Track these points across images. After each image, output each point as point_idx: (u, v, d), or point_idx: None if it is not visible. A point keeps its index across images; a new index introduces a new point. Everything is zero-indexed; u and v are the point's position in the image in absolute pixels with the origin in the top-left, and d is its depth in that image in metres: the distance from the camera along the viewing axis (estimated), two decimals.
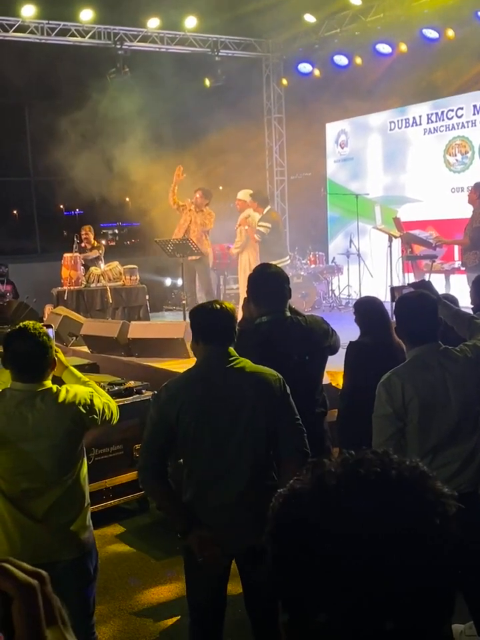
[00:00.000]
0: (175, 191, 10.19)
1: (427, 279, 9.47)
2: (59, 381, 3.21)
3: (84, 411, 3.05)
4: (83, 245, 11.51)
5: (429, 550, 0.85)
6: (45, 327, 3.10)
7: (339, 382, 4.90)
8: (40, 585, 0.73)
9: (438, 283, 9.87)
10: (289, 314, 3.70)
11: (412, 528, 0.85)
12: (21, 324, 3.06)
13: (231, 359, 3.04)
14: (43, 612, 0.72)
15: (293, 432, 3.05)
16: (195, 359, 3.18)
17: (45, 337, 3.01)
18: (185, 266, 9.95)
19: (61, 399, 3.03)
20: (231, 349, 3.09)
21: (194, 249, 9.67)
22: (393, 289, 4.16)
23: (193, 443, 3.02)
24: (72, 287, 10.65)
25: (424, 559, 0.85)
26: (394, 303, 3.65)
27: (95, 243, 11.75)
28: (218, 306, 3.10)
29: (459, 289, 8.55)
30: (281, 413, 3.05)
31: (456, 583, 0.89)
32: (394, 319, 3.62)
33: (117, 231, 19.38)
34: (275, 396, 3.03)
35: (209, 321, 3.08)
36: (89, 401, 3.09)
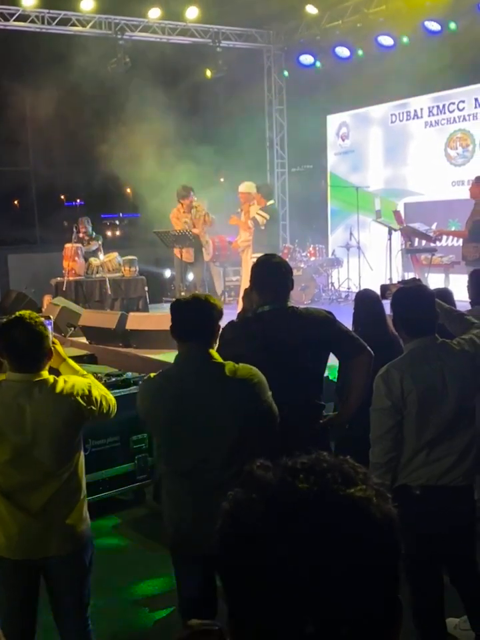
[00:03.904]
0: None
1: (425, 275, 9.50)
2: (56, 373, 3.19)
3: (82, 402, 3.01)
4: (80, 235, 11.50)
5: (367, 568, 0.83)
6: (41, 317, 3.08)
7: (335, 376, 4.89)
8: None
9: (437, 278, 9.86)
10: (290, 304, 3.70)
11: (352, 549, 0.83)
12: (17, 313, 3.04)
13: (212, 359, 3.04)
14: None
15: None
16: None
17: (40, 327, 2.99)
18: (179, 258, 9.94)
19: (58, 389, 2.99)
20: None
21: (193, 240, 9.65)
22: (383, 287, 4.13)
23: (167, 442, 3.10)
24: (71, 278, 10.64)
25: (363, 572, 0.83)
26: (390, 297, 3.63)
27: (91, 234, 11.73)
28: (203, 299, 3.08)
29: (459, 285, 8.52)
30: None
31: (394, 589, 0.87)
32: (390, 312, 3.59)
33: (117, 222, 19.37)
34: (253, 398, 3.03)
35: (186, 317, 3.06)
36: (87, 392, 3.05)
